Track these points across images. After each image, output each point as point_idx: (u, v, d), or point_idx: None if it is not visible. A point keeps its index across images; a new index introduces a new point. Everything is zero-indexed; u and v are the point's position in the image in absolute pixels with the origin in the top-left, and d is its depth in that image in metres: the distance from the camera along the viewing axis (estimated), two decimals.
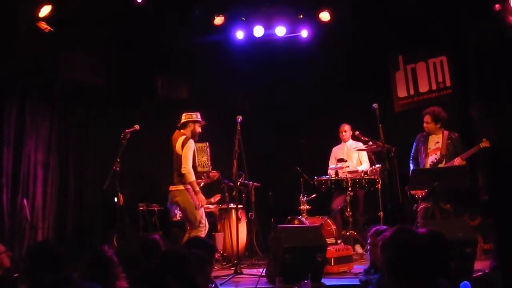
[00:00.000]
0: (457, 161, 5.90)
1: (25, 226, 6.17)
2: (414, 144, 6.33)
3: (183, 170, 5.69)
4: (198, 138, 6.06)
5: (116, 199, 6.01)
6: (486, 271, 2.74)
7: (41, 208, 6.45)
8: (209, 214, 7.17)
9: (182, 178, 5.74)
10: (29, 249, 4.77)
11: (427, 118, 6.16)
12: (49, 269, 2.95)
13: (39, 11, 5.96)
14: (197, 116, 6.02)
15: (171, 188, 5.89)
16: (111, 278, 2.99)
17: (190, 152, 5.74)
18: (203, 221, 5.74)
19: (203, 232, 5.71)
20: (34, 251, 3.29)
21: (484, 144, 5.83)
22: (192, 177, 5.71)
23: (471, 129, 6.96)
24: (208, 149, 6.36)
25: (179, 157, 5.78)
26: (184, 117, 6.00)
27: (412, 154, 6.37)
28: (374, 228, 3.76)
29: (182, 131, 5.96)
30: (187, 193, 5.73)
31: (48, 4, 5.96)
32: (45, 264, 2.99)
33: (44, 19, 6.02)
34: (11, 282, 3.85)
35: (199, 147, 6.17)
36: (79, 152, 7.02)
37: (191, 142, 5.79)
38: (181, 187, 5.77)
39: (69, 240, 6.58)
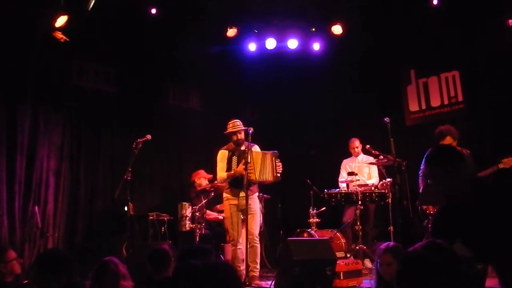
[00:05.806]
0: None
1: (35, 233, 6.20)
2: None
3: (217, 182, 6.11)
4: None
5: (126, 208, 6.05)
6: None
7: (52, 215, 6.48)
8: (218, 224, 7.17)
9: (223, 187, 6.05)
10: (38, 257, 4.81)
11: (449, 139, 5.77)
12: (57, 276, 2.98)
13: (56, 21, 6.06)
14: (233, 125, 6.05)
15: None
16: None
17: (218, 163, 5.99)
18: (230, 233, 5.88)
19: (231, 244, 5.89)
20: (42, 258, 3.31)
21: (503, 165, 5.66)
22: (224, 176, 5.92)
23: (482, 145, 6.91)
24: (271, 158, 6.09)
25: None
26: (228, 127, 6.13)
27: (422, 169, 6.29)
28: (384, 245, 3.51)
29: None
30: (224, 203, 6.01)
31: (64, 15, 6.06)
32: (53, 271, 3.01)
33: (60, 29, 6.11)
34: None
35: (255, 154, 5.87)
36: (91, 161, 7.06)
37: (219, 153, 6.04)
38: (224, 195, 6.04)
39: (79, 248, 6.59)
